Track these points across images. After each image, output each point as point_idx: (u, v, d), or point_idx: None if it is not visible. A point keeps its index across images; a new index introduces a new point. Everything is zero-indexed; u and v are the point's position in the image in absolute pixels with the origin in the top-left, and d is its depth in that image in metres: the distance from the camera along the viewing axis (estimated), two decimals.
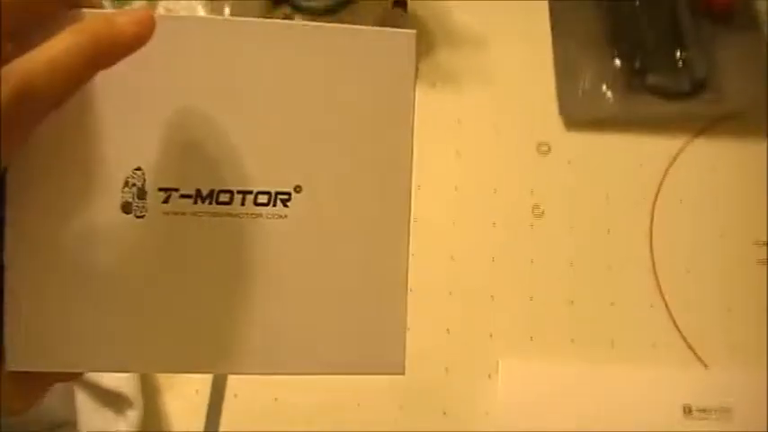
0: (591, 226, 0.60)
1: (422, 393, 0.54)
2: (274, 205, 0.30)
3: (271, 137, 0.29)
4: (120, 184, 0.28)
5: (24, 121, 0.24)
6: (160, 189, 0.29)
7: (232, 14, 0.62)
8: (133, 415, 0.51)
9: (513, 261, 0.59)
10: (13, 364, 0.27)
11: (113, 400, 0.51)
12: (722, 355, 0.56)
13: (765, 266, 0.59)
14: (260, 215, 0.30)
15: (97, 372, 0.46)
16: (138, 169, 0.28)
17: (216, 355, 0.30)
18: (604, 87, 0.63)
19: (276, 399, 0.54)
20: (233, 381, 0.54)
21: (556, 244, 0.59)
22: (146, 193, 0.28)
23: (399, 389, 0.53)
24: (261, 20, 0.29)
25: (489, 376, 0.54)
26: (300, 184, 0.30)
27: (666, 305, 0.57)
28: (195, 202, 0.29)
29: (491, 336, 0.56)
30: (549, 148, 0.63)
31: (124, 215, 0.28)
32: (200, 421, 0.53)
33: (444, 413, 0.53)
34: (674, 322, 0.57)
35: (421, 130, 0.49)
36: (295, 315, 0.30)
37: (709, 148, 0.63)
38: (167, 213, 0.29)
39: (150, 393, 0.52)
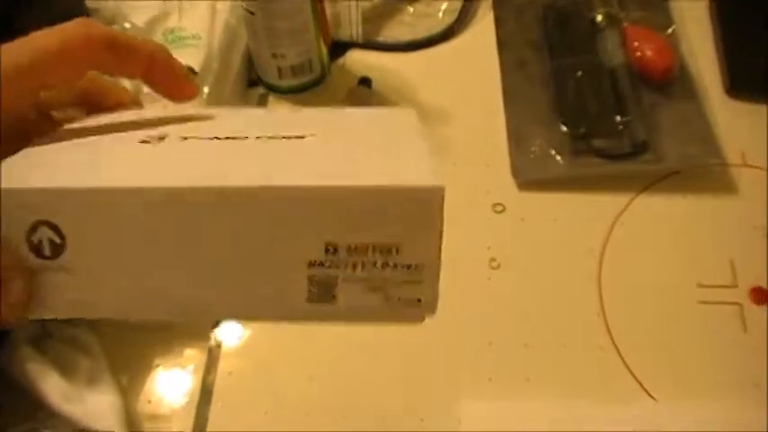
0: (544, 275, 0.65)
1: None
2: None
3: None
4: None
5: None
6: None
7: (209, 95, 0.68)
8: None
9: (471, 309, 0.63)
10: None
11: None
12: (670, 389, 0.59)
13: (707, 306, 0.63)
14: None
15: None
16: None
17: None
18: (553, 151, 0.69)
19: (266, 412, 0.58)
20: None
21: (511, 293, 0.64)
22: None
23: None
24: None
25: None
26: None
27: (615, 346, 0.61)
28: None
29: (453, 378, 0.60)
30: (504, 208, 0.68)
31: None
32: None
33: None
34: (624, 361, 0.61)
35: None
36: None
37: (652, 202, 0.68)
38: None
39: None
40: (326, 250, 0.29)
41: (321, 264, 0.29)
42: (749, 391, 0.60)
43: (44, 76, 0.31)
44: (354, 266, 0.29)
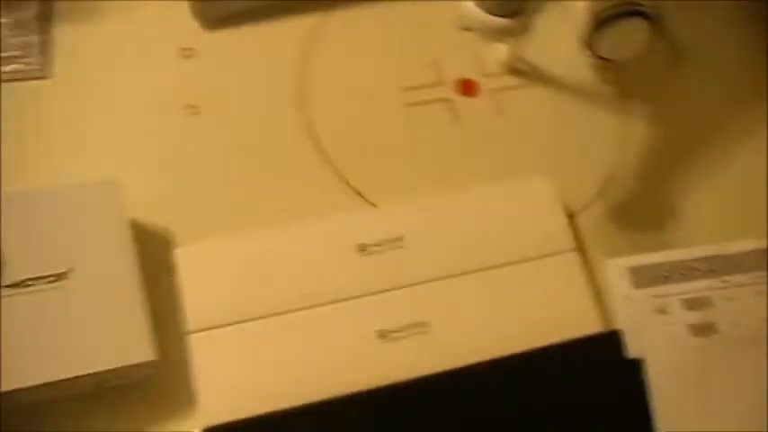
0: (248, 112, 0.61)
1: None
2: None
3: None
4: None
5: None
6: None
7: None
8: None
9: (176, 157, 0.58)
10: None
11: None
12: (388, 195, 0.57)
13: (417, 107, 0.61)
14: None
15: None
16: None
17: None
18: None
19: None
20: None
21: (217, 136, 0.59)
22: None
23: None
24: None
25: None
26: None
27: (331, 162, 0.58)
28: None
29: (168, 231, 0.55)
30: (193, 51, 0.63)
31: None
32: None
33: None
34: (341, 176, 0.58)
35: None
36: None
37: (348, 15, 0.65)
38: None
39: None
40: None
41: None
42: (465, 178, 0.60)
43: None
44: None
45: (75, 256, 0.49)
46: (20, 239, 0.49)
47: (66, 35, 0.62)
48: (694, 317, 0.54)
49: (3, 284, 0.47)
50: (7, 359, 0.45)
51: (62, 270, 0.48)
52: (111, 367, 0.46)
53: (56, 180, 0.56)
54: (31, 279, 0.47)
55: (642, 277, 0.56)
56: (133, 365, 0.46)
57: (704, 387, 0.53)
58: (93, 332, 0.47)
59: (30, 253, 0.48)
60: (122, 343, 0.46)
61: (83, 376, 0.46)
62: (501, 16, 0.51)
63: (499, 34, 0.52)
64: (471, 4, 0.51)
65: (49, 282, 0.48)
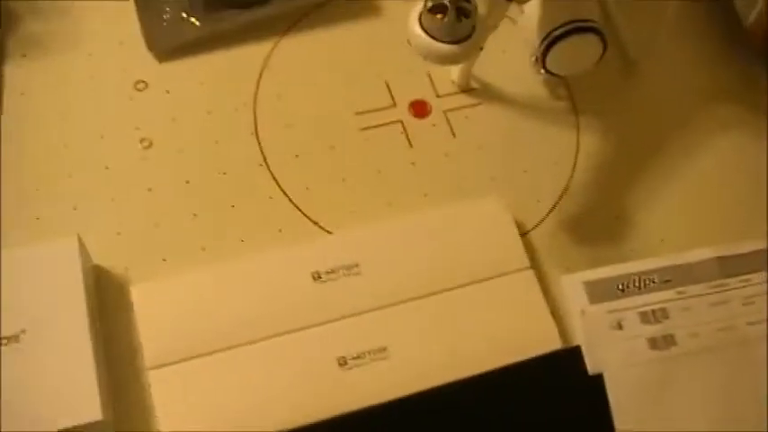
0: (200, 143, 0.61)
1: None
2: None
3: None
4: None
5: None
6: None
7: None
8: None
9: (130, 193, 0.58)
10: None
11: None
12: (343, 221, 0.57)
13: (369, 131, 0.61)
14: None
15: None
16: None
17: None
18: (185, 14, 0.64)
19: None
20: None
21: (171, 168, 0.59)
22: None
23: None
24: None
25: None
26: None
27: (284, 192, 0.58)
28: None
29: (126, 268, 0.55)
30: (147, 84, 0.62)
31: None
32: None
33: None
34: (295, 205, 0.58)
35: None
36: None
37: (298, 41, 0.66)
38: None
39: None
40: None
41: None
42: (419, 200, 0.61)
43: None
44: None
45: (29, 316, 0.49)
46: None
47: (18, 72, 0.62)
48: (652, 330, 0.55)
49: None
50: None
51: (14, 332, 0.49)
52: (60, 428, 0.46)
53: (9, 218, 0.56)
54: None
55: (597, 291, 0.56)
56: (84, 425, 0.46)
57: (664, 399, 0.53)
58: (45, 392, 0.47)
59: None
60: (73, 403, 0.47)
61: None
62: (449, 42, 0.51)
63: (449, 60, 0.52)
64: (419, 32, 0.51)
65: (4, 344, 0.48)
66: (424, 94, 0.64)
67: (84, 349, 0.48)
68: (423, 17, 0.50)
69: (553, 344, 0.54)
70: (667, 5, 0.65)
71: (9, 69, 0.62)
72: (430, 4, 0.49)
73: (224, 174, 0.59)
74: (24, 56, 0.62)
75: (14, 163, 0.58)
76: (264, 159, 0.60)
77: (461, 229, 0.57)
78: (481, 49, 0.56)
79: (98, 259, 0.55)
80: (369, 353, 0.52)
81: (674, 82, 0.67)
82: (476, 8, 0.50)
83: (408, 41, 0.53)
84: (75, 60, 0.62)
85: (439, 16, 0.49)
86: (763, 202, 0.61)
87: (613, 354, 0.54)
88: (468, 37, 0.51)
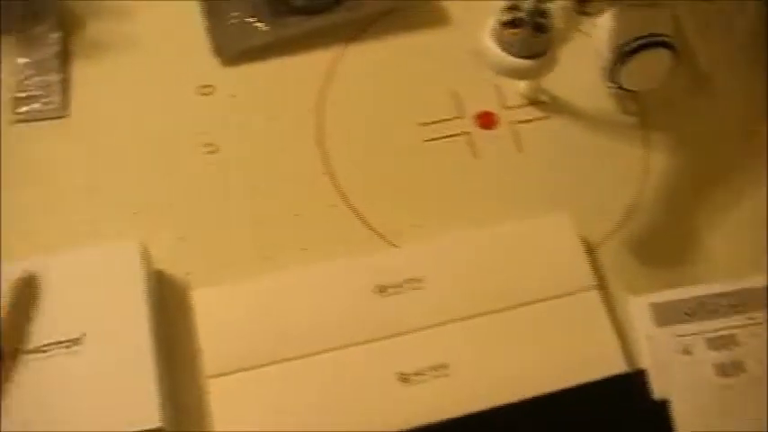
0: (265, 149, 0.60)
1: None
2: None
3: None
4: None
5: None
6: None
7: None
8: None
9: (194, 198, 0.58)
10: None
11: None
12: (407, 233, 0.57)
13: (435, 143, 0.61)
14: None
15: None
16: None
17: None
18: (252, 19, 0.64)
19: None
20: None
21: (235, 174, 0.59)
22: None
23: None
24: None
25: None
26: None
27: (348, 201, 0.58)
28: None
29: (187, 273, 0.55)
30: (213, 89, 0.62)
31: None
32: None
33: None
34: (359, 215, 0.57)
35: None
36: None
37: (363, 49, 0.65)
38: None
39: None
40: None
41: None
42: (484, 214, 0.59)
43: None
44: None
45: (90, 320, 0.49)
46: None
47: (85, 74, 0.62)
48: (720, 356, 0.53)
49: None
50: (21, 424, 0.45)
51: (76, 336, 0.48)
52: None
53: (73, 220, 0.57)
54: (46, 345, 0.48)
55: (664, 315, 0.55)
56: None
57: (730, 427, 0.52)
58: (103, 397, 0.47)
59: (47, 318, 0.49)
60: (131, 409, 0.47)
61: None
62: (525, 58, 0.49)
63: (524, 75, 0.51)
64: (492, 45, 0.50)
65: (65, 347, 0.48)
66: (492, 105, 0.63)
67: (145, 354, 0.48)
68: (497, 31, 0.49)
69: (617, 366, 0.52)
70: (741, 18, 0.63)
71: (77, 72, 0.62)
72: (505, 19, 0.48)
73: (288, 181, 0.59)
74: (91, 59, 0.62)
75: (80, 164, 0.58)
76: (329, 167, 0.59)
77: (527, 246, 0.56)
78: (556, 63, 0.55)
79: (160, 264, 0.54)
80: (430, 369, 0.52)
81: (747, 97, 0.65)
82: (553, 24, 0.48)
83: (477, 55, 0.51)
84: (138, 63, 0.63)
85: (515, 31, 0.48)
86: None
87: (680, 379, 0.52)
88: (544, 52, 0.49)
